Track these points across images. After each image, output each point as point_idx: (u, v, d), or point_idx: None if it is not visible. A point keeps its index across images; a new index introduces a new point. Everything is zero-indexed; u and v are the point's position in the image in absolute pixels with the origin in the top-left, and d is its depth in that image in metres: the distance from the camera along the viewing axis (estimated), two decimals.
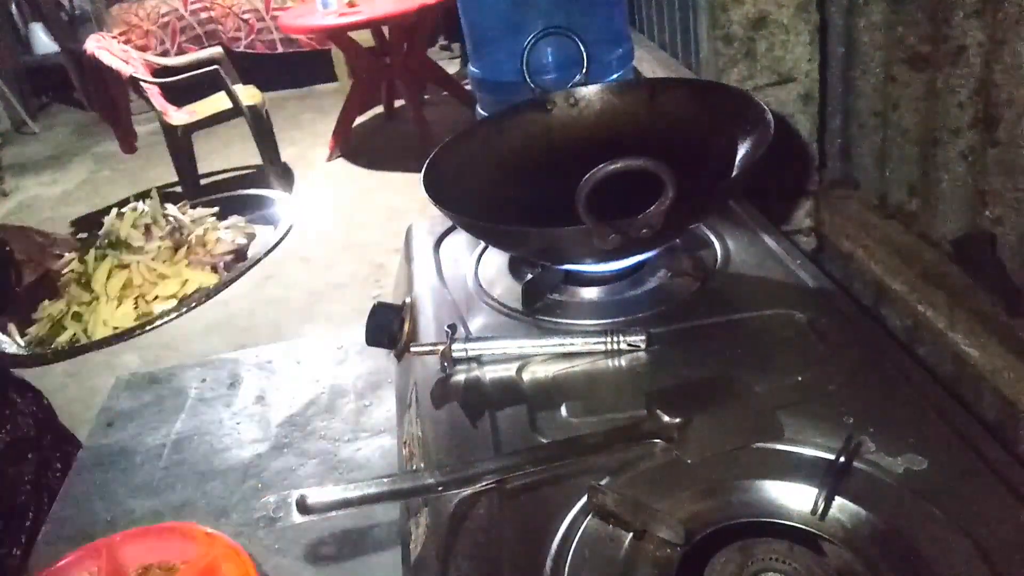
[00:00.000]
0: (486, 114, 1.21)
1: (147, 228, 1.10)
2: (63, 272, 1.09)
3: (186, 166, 3.60)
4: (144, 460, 0.89)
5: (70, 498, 0.86)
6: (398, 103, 4.19)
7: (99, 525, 0.81)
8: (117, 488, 0.86)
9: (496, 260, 0.90)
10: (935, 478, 0.55)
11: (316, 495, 0.58)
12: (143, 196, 1.16)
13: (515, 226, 0.75)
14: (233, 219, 1.16)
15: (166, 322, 0.92)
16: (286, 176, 3.73)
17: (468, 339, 0.75)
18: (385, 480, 0.60)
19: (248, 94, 3.58)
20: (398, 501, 0.69)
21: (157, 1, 4.48)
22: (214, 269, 1.07)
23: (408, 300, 0.88)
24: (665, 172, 0.64)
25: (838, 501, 0.54)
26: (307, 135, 4.32)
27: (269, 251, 1.05)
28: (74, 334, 1.00)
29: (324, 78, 4.95)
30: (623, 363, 0.72)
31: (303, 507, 0.57)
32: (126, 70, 3.33)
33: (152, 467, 0.88)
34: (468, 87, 3.51)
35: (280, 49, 4.65)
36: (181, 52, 4.36)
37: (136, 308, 1.01)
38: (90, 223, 3.49)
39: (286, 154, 3.92)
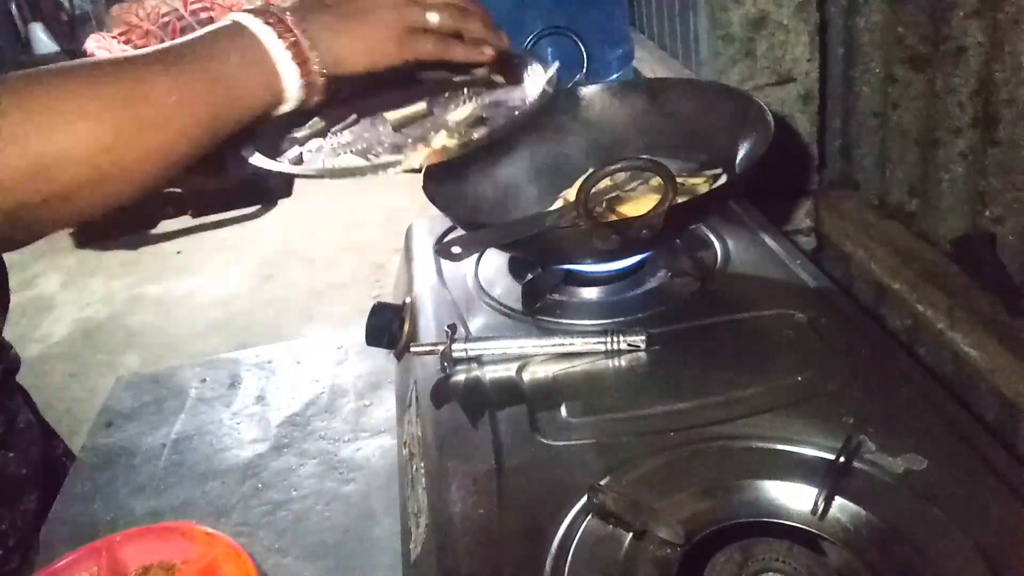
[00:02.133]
0: None
1: None
2: None
3: None
4: (144, 460, 0.89)
5: (70, 498, 0.86)
6: None
7: (99, 525, 0.81)
8: (117, 488, 0.86)
9: (496, 260, 0.90)
10: (935, 478, 0.55)
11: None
12: None
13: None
14: None
15: None
16: (286, 176, 3.72)
17: (468, 339, 0.75)
18: None
19: None
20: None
21: (157, 1, 4.48)
22: None
23: (408, 300, 0.89)
24: (665, 172, 0.65)
25: (838, 501, 0.54)
26: None
27: None
28: None
29: None
30: (623, 363, 0.72)
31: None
32: None
33: (152, 467, 0.88)
34: None
35: None
36: None
37: None
38: (91, 225, 3.49)
39: None
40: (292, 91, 0.63)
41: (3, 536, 0.80)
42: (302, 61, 0.61)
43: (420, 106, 0.79)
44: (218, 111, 0.60)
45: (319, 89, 0.64)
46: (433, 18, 0.68)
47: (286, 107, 0.65)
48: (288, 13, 0.62)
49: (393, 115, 0.79)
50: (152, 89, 0.56)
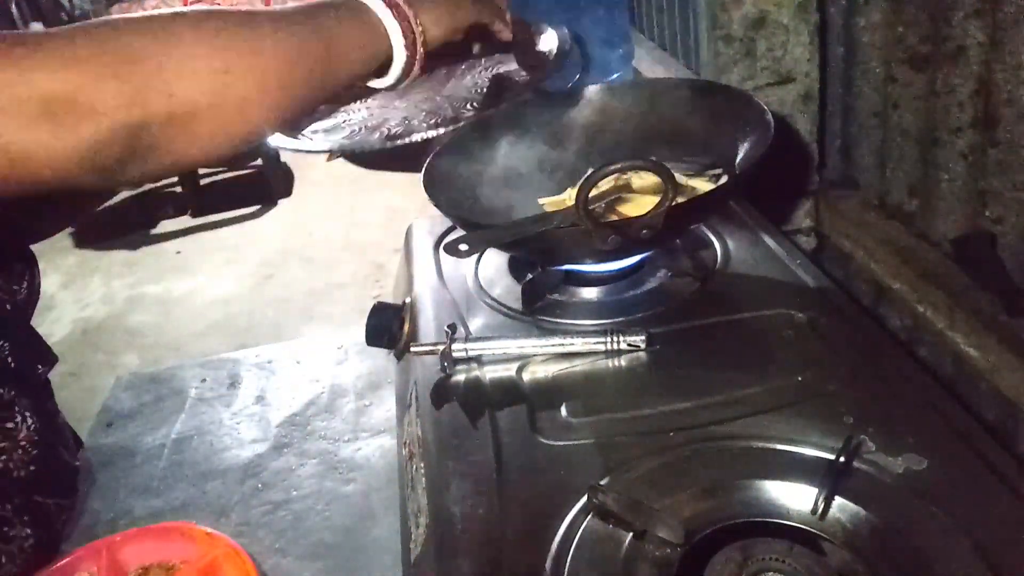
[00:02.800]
0: None
1: None
2: None
3: None
4: (144, 460, 0.89)
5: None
6: None
7: (99, 525, 0.81)
8: (117, 488, 0.86)
9: (496, 260, 0.90)
10: (935, 478, 0.55)
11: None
12: None
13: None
14: None
15: None
16: (286, 176, 3.73)
17: (468, 339, 0.75)
18: None
19: None
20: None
21: (157, 1, 4.49)
22: None
23: (408, 300, 0.88)
24: (665, 173, 0.65)
25: (838, 501, 0.54)
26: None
27: None
28: None
29: None
30: (623, 363, 0.72)
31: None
32: None
33: (152, 467, 0.88)
34: None
35: None
36: None
37: None
38: (91, 225, 3.49)
39: (286, 154, 3.92)
40: (398, 55, 0.67)
41: (64, 524, 0.80)
42: (408, 30, 0.66)
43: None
44: (328, 64, 0.63)
45: (421, 60, 0.69)
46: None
47: (388, 78, 0.69)
48: None
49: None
50: (260, 30, 0.59)
